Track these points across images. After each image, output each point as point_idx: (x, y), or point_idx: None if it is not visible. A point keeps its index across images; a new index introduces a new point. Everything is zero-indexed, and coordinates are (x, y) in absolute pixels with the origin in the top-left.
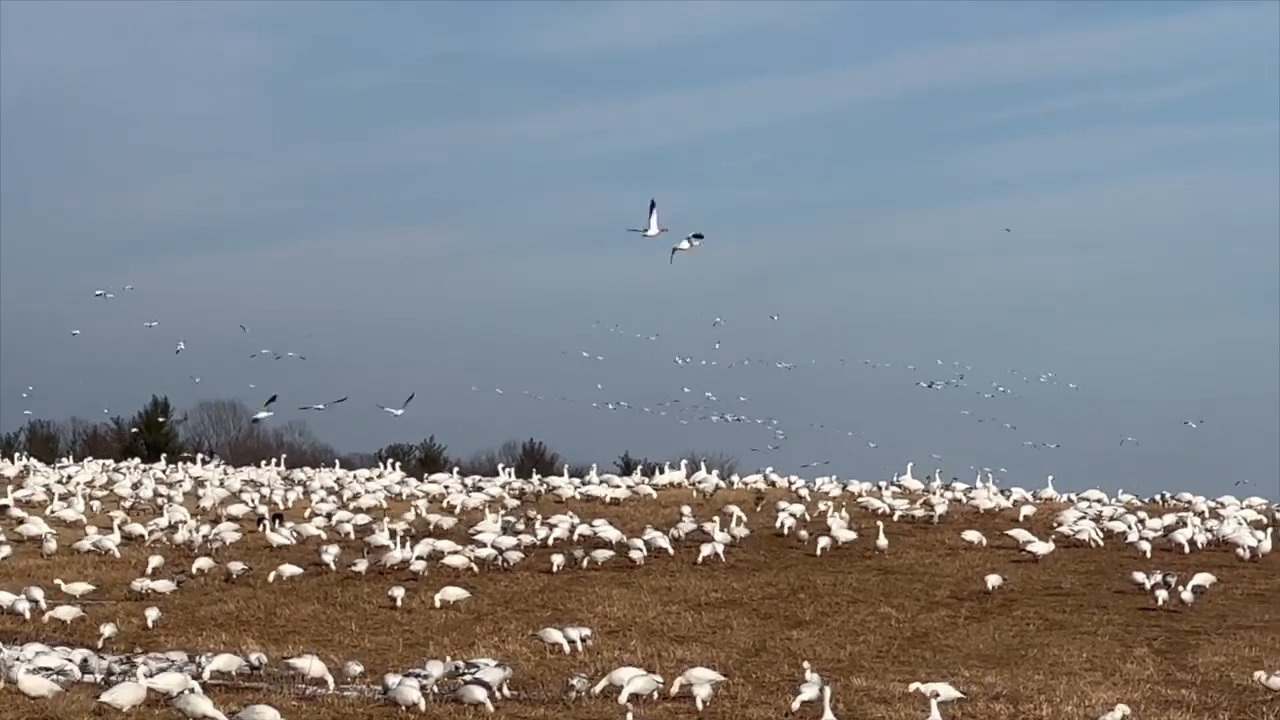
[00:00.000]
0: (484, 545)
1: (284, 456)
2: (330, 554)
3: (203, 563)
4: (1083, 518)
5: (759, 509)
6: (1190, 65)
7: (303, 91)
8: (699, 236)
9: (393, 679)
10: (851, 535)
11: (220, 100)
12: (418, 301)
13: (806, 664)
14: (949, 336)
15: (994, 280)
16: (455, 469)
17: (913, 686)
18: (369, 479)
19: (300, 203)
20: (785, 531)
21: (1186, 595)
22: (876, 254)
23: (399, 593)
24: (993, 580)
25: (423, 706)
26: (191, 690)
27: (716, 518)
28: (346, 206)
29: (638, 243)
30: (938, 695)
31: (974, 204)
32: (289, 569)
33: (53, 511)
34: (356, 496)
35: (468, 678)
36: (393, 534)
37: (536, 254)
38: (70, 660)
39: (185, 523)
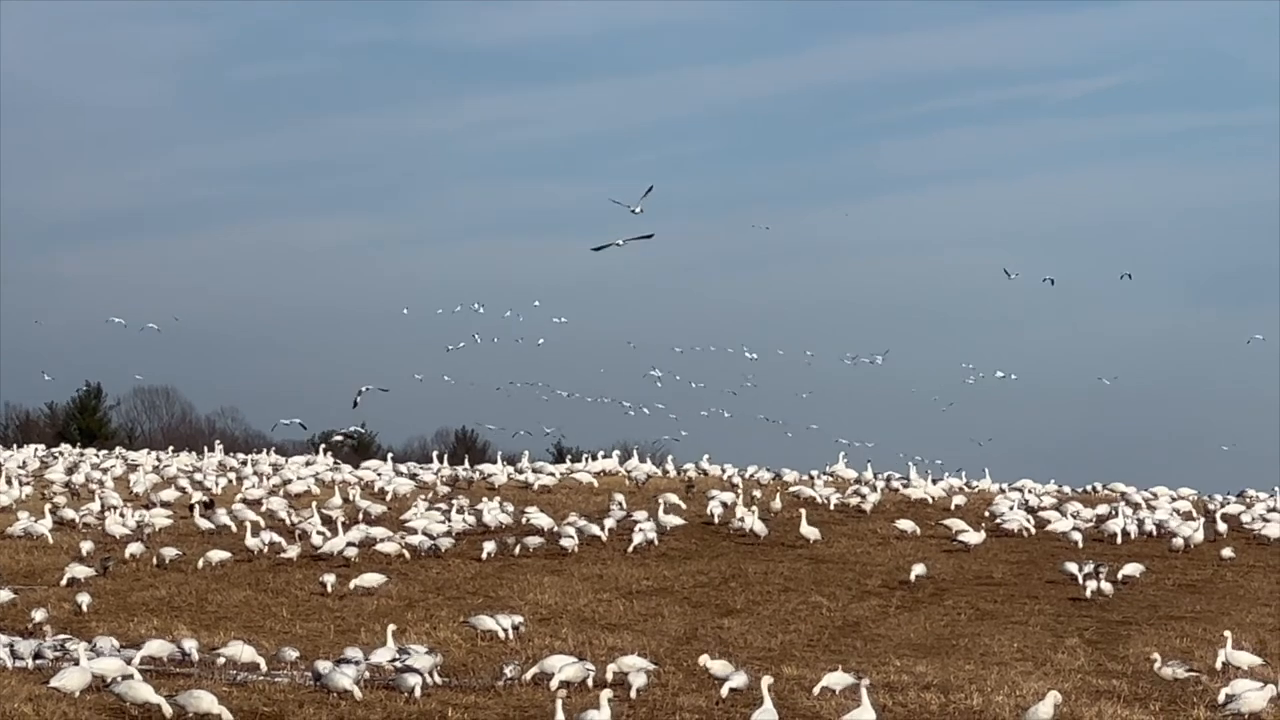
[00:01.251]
0: (415, 532)
1: (217, 443)
2: (261, 540)
3: (134, 548)
4: (1014, 507)
5: (689, 495)
6: (1109, 60)
7: (229, 79)
8: (648, 237)
9: (323, 665)
10: (763, 529)
11: (147, 87)
12: (345, 289)
13: (704, 659)
14: (878, 325)
15: (918, 272)
16: (389, 455)
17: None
18: (307, 463)
19: (223, 190)
20: (715, 520)
21: (1106, 586)
22: (803, 246)
23: (329, 579)
24: (917, 570)
25: (358, 694)
26: (130, 676)
27: (647, 506)
28: (270, 195)
29: (560, 231)
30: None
31: (899, 195)
32: (220, 555)
33: None
34: (288, 482)
35: (399, 664)
36: (325, 520)
37: (460, 242)
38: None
39: (116, 508)
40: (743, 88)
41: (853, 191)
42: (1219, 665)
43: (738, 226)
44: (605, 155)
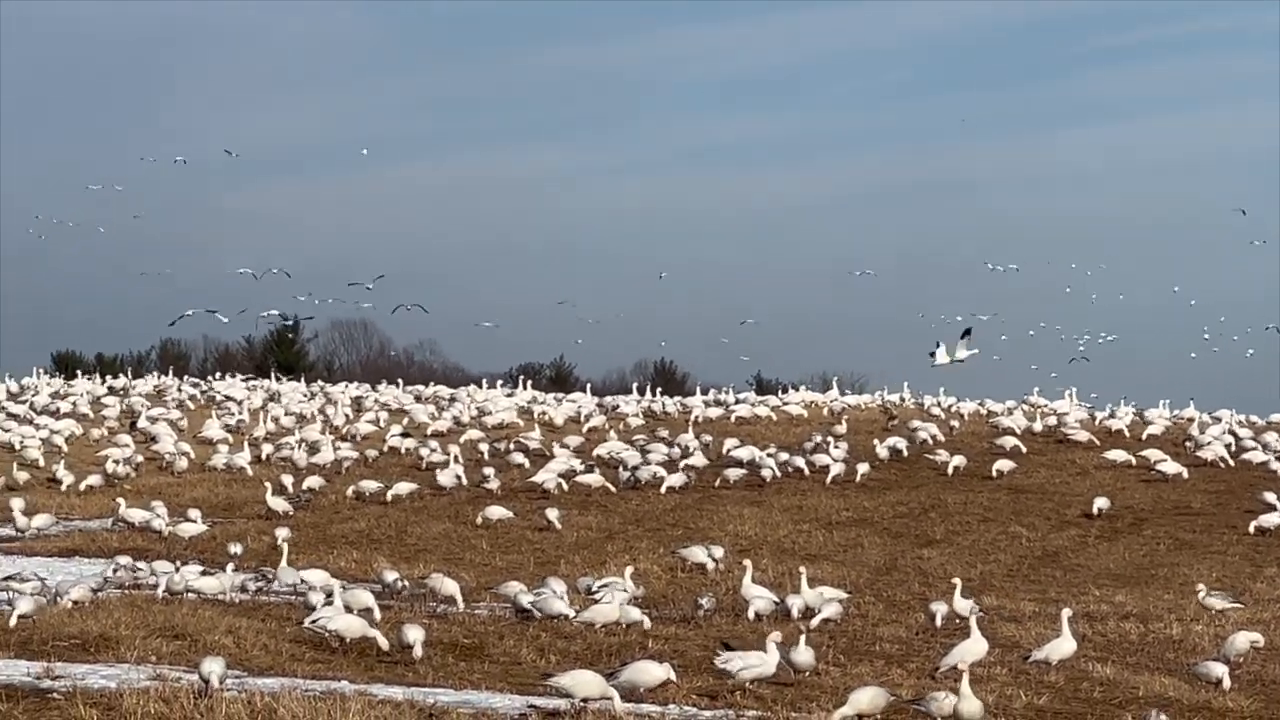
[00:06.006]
0: (615, 464)
1: (410, 374)
2: (462, 471)
3: (324, 481)
4: (1213, 439)
5: (889, 427)
6: None
7: (428, 11)
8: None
9: (524, 597)
10: (962, 460)
11: (343, 18)
12: (543, 221)
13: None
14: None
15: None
16: (588, 386)
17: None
18: (507, 395)
19: (418, 123)
20: (917, 450)
21: None
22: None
23: (552, 515)
24: (1099, 502)
25: (572, 616)
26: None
27: (844, 437)
28: (468, 126)
29: (753, 165)
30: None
31: (1095, 126)
32: (411, 486)
33: (195, 431)
34: (488, 414)
35: (598, 597)
36: (524, 451)
37: (659, 174)
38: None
39: (315, 441)
40: (946, 14)
41: (1056, 121)
42: None
43: (936, 155)
44: (802, 87)
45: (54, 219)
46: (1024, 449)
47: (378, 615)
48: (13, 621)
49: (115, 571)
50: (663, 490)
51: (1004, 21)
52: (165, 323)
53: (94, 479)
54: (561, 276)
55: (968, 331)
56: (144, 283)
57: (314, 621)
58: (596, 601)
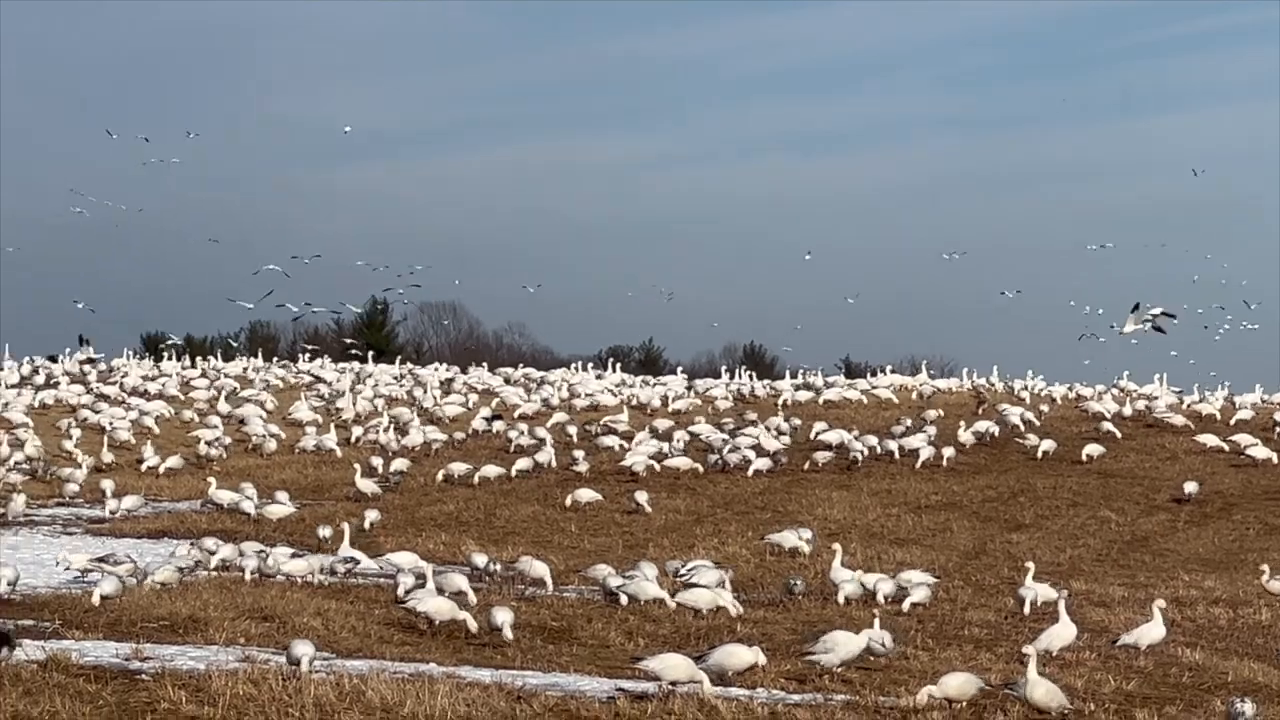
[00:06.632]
0: (704, 447)
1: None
2: (549, 455)
3: (409, 464)
4: None
5: (979, 411)
6: None
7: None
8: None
9: (613, 580)
10: (1051, 445)
11: (435, 5)
12: (627, 205)
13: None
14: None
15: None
16: (680, 369)
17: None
18: (597, 377)
19: (504, 108)
20: (1007, 434)
21: None
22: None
23: (641, 498)
24: (1189, 487)
25: (670, 603)
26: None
27: (935, 421)
28: (550, 112)
29: (842, 151)
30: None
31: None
32: (496, 470)
33: (287, 413)
34: (576, 397)
35: (686, 579)
36: (612, 433)
37: (736, 160)
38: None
39: (411, 422)
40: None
41: (1127, 109)
42: None
43: (1007, 145)
44: (874, 74)
45: (137, 208)
46: (1118, 434)
47: (472, 599)
48: (95, 601)
49: (188, 551)
50: (749, 474)
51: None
52: (250, 305)
53: (180, 460)
54: (652, 259)
55: (1163, 313)
56: (231, 264)
57: (404, 603)
58: (689, 585)
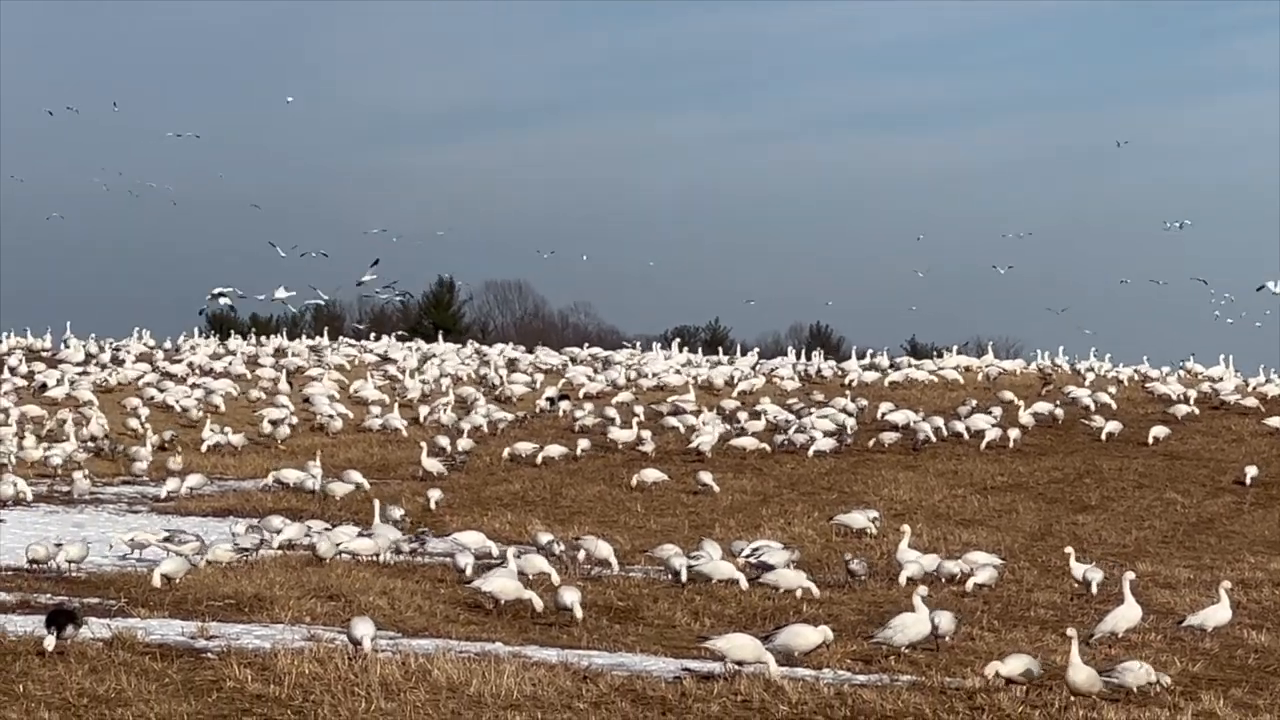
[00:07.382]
0: (770, 427)
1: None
2: (626, 433)
3: (471, 443)
4: None
5: (1044, 392)
6: None
7: None
8: None
9: (679, 560)
10: (1117, 427)
11: None
12: (695, 184)
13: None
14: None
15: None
16: (753, 350)
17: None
18: (665, 358)
19: (575, 85)
20: (1073, 415)
21: None
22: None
23: (707, 478)
24: (1250, 471)
25: (744, 584)
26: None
27: (999, 402)
28: (623, 89)
29: (915, 128)
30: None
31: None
32: (562, 450)
33: (353, 390)
34: (643, 377)
35: (753, 560)
36: (678, 413)
37: (811, 138)
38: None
39: (476, 401)
40: None
41: (1202, 90)
42: None
43: (1082, 126)
44: (950, 53)
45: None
46: (1194, 412)
47: (556, 579)
48: (156, 581)
49: (248, 531)
50: (810, 454)
51: None
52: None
53: (243, 438)
54: (718, 240)
55: None
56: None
57: (470, 583)
58: (764, 566)
